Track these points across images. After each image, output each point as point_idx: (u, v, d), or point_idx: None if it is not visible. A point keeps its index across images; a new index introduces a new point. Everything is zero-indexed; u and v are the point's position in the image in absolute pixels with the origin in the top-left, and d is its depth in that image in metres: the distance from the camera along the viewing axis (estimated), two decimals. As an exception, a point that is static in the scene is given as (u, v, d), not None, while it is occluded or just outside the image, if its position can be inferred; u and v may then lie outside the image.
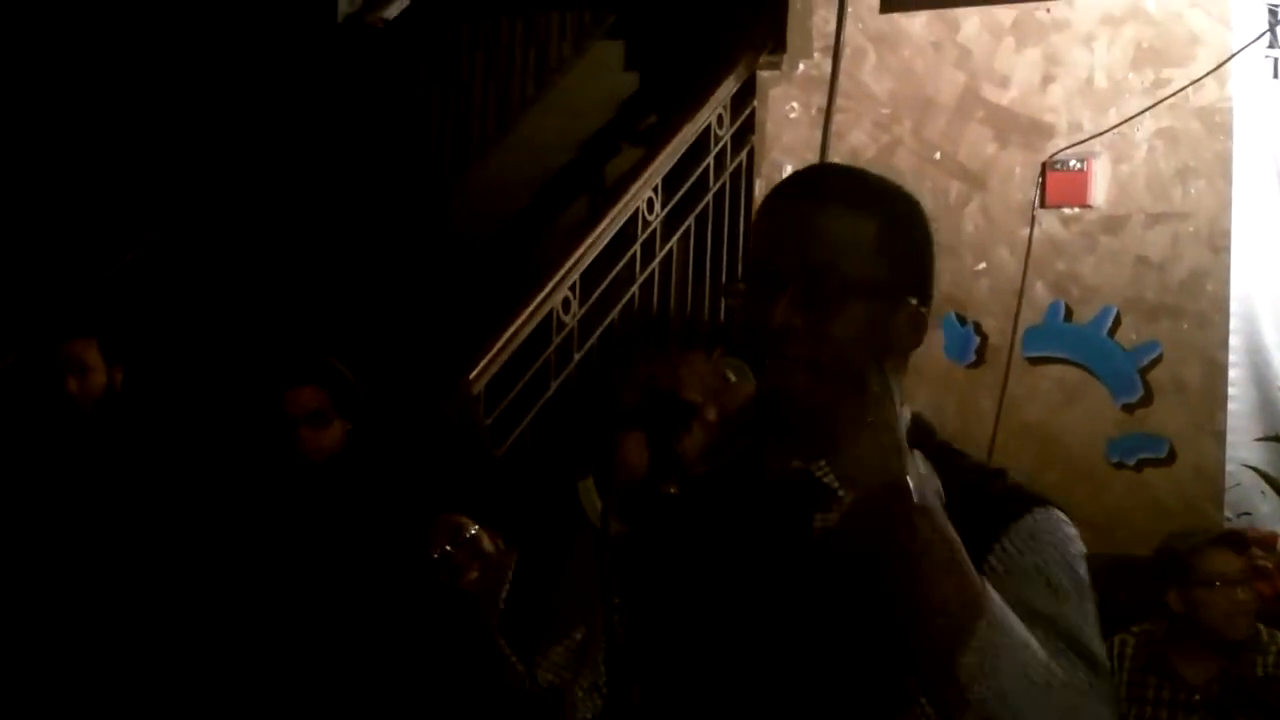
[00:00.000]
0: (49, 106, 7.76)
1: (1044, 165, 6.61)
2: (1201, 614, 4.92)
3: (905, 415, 2.10)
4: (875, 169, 6.48)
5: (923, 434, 2.13)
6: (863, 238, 2.06)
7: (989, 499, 2.08)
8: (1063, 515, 2.10)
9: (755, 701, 2.06)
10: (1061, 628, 1.99)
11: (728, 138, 7.12)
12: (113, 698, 5.12)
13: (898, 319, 2.09)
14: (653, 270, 6.84)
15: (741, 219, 7.12)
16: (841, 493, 2.07)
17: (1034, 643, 1.93)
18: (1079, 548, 2.09)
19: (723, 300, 2.00)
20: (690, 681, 2.11)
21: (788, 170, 7.06)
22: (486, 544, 2.34)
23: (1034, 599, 2.00)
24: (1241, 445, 6.24)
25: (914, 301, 2.11)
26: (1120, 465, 6.38)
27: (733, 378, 2.07)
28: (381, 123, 8.22)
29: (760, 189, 7.09)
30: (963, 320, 6.63)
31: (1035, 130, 6.65)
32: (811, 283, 2.03)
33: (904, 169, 6.72)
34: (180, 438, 5.74)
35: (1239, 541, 5.04)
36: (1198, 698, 4.88)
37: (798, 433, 2.10)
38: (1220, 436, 6.25)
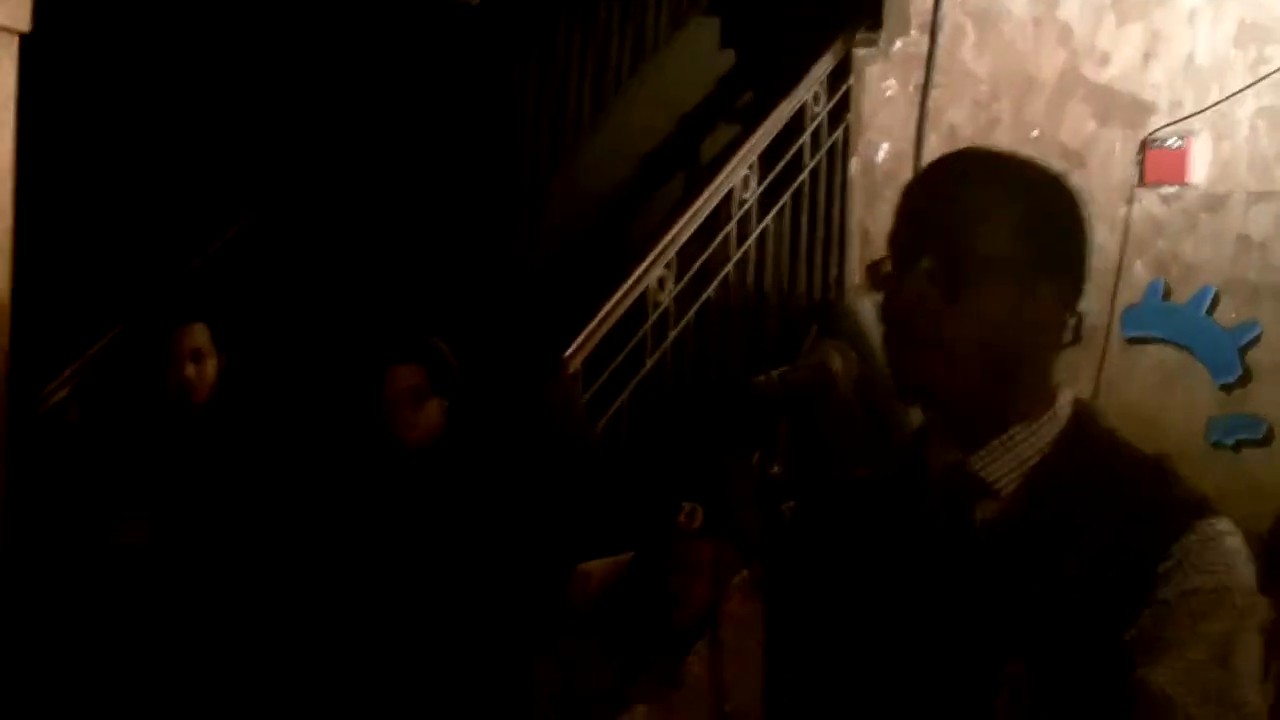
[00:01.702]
0: (149, 90, 7.82)
1: (1143, 143, 6.55)
2: None
3: (1066, 400, 2.09)
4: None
5: (1084, 419, 2.09)
6: (1000, 213, 2.01)
7: (1155, 505, 2.01)
8: (1230, 528, 2.01)
9: (919, 700, 2.03)
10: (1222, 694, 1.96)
11: (824, 116, 7.11)
12: (226, 682, 5.17)
13: (1042, 296, 2.04)
14: (748, 248, 6.84)
15: (837, 197, 7.11)
16: (997, 486, 2.04)
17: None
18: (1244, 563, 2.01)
19: (870, 280, 1.98)
20: (854, 685, 2.08)
21: (884, 149, 7.04)
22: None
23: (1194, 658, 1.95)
24: (1341, 427, 6.19)
25: (1061, 279, 2.06)
26: (1219, 445, 6.33)
27: (838, 362, 2.04)
28: (479, 103, 8.24)
29: (855, 167, 7.07)
30: (1060, 299, 6.58)
31: (1136, 108, 6.60)
32: (947, 256, 2.00)
33: (1002, 148, 6.67)
34: (284, 422, 5.75)
35: None
36: None
37: (952, 423, 2.06)
38: (1320, 418, 6.19)
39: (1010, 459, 2.04)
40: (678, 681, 2.34)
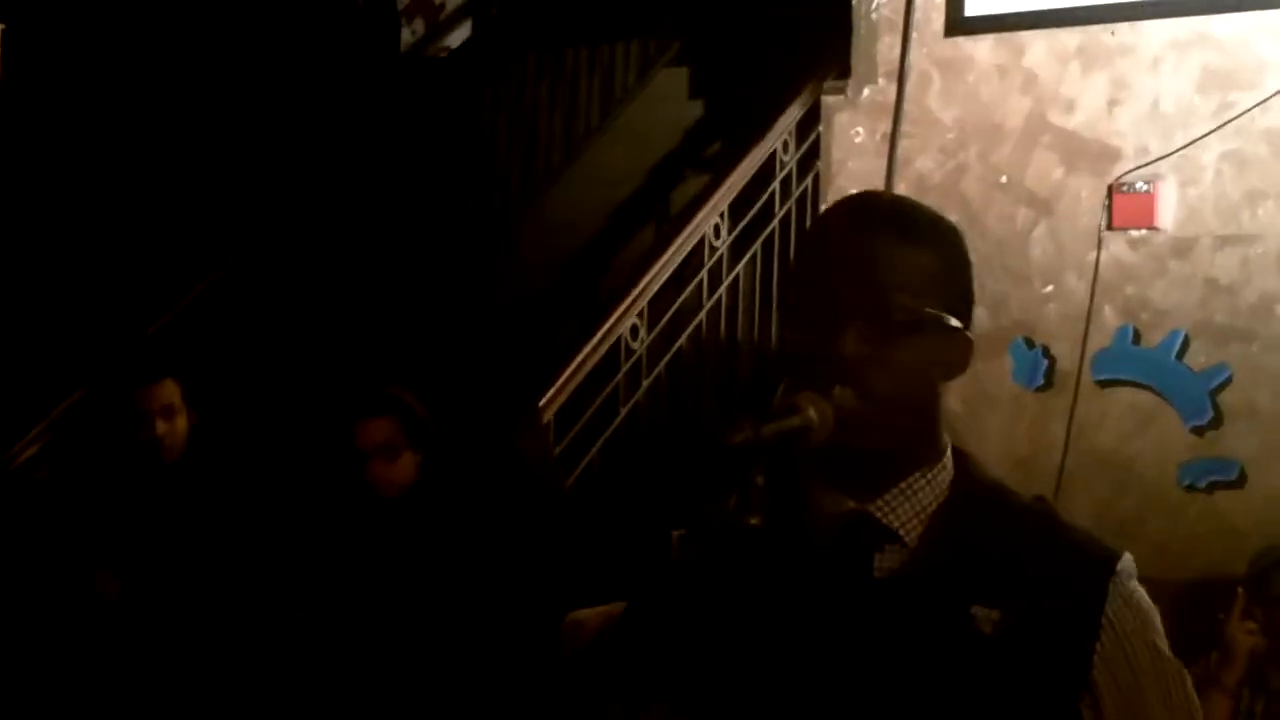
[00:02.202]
0: (114, 147, 7.82)
1: (1110, 188, 6.58)
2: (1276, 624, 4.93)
3: (948, 447, 2.12)
4: (942, 195, 6.49)
5: (968, 465, 2.12)
6: (925, 270, 2.05)
7: (1061, 555, 2.07)
8: (1133, 570, 2.09)
9: None
10: None
11: (793, 164, 7.13)
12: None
13: (954, 348, 2.08)
14: (719, 297, 6.85)
15: (808, 246, 7.11)
16: (903, 534, 2.05)
17: None
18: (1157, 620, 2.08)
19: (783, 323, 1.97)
20: None
21: (860, 195, 7.04)
22: None
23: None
24: (1313, 468, 6.20)
25: (968, 331, 2.10)
26: (1192, 489, 6.35)
27: (812, 411, 2.03)
28: (448, 153, 8.26)
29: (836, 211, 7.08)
30: (1030, 344, 6.61)
31: (1102, 154, 6.63)
32: (879, 314, 2.01)
33: (971, 195, 6.72)
34: (256, 476, 5.74)
35: None
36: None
37: (853, 472, 2.06)
38: (1291, 460, 6.21)
39: (911, 506, 2.06)
40: None
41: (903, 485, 2.06)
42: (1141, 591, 2.05)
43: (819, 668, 2.02)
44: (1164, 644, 2.05)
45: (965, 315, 2.10)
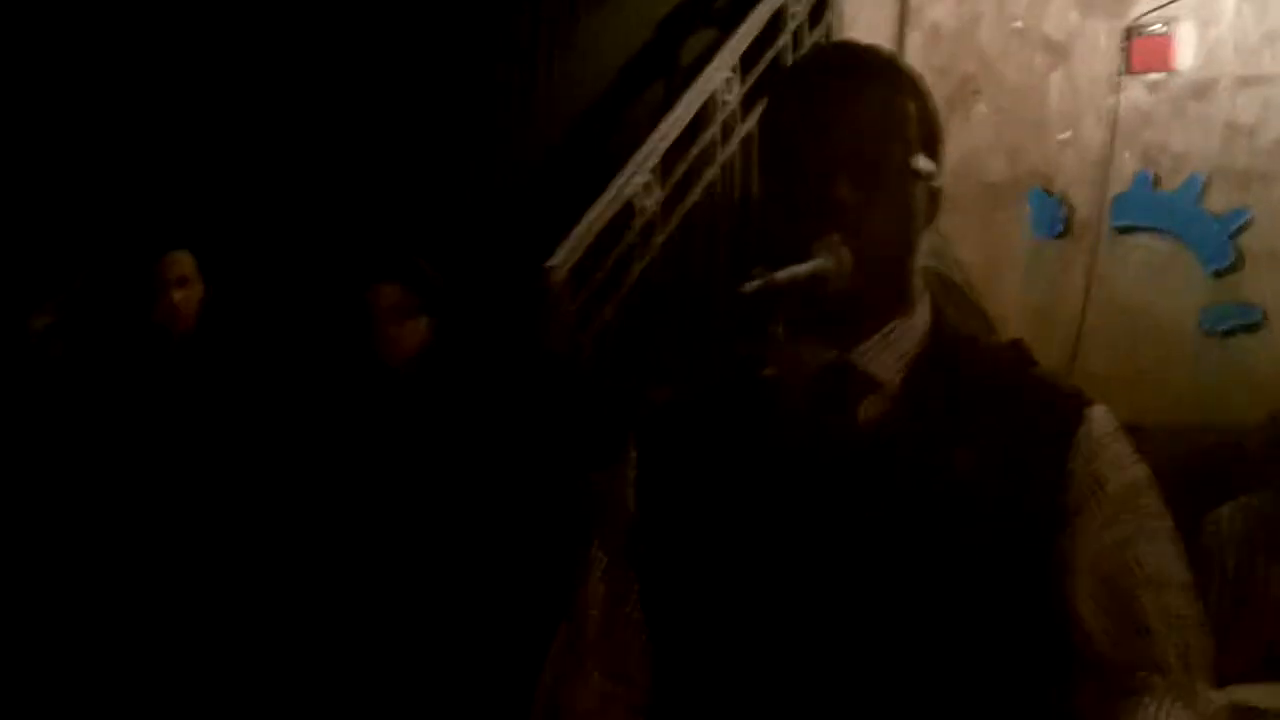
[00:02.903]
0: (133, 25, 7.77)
1: (1127, 31, 6.49)
2: None
3: (925, 295, 2.11)
4: (957, 44, 6.37)
5: (941, 315, 2.12)
6: (905, 116, 2.06)
7: (1034, 395, 2.07)
8: (1108, 412, 2.08)
9: (830, 635, 2.00)
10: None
11: (804, 15, 7.04)
12: (214, 616, 5.17)
13: (929, 193, 2.09)
14: (732, 152, 6.78)
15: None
16: (884, 381, 2.05)
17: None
18: (1136, 454, 2.08)
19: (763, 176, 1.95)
20: (751, 613, 2.03)
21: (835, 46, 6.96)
22: None
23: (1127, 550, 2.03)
24: (1337, 310, 6.16)
25: (940, 178, 2.11)
26: (1212, 334, 6.31)
27: (828, 258, 2.00)
28: (455, 14, 8.17)
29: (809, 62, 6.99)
30: (1049, 192, 6.54)
31: (1118, -3, 6.53)
32: (867, 159, 2.02)
33: (986, 43, 6.63)
34: (268, 346, 5.73)
35: None
36: None
37: (837, 320, 2.05)
38: (1313, 304, 6.17)
39: (891, 354, 2.05)
40: None
41: (881, 333, 2.05)
42: (1113, 427, 2.05)
43: (806, 516, 2.01)
44: (1139, 472, 2.06)
45: (938, 162, 2.11)
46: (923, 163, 2.07)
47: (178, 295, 5.46)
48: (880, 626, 1.98)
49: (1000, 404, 2.04)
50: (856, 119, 2.04)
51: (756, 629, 2.03)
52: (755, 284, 1.92)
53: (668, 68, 7.79)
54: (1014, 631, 2.00)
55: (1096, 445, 2.02)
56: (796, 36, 6.99)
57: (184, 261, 5.50)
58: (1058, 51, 6.62)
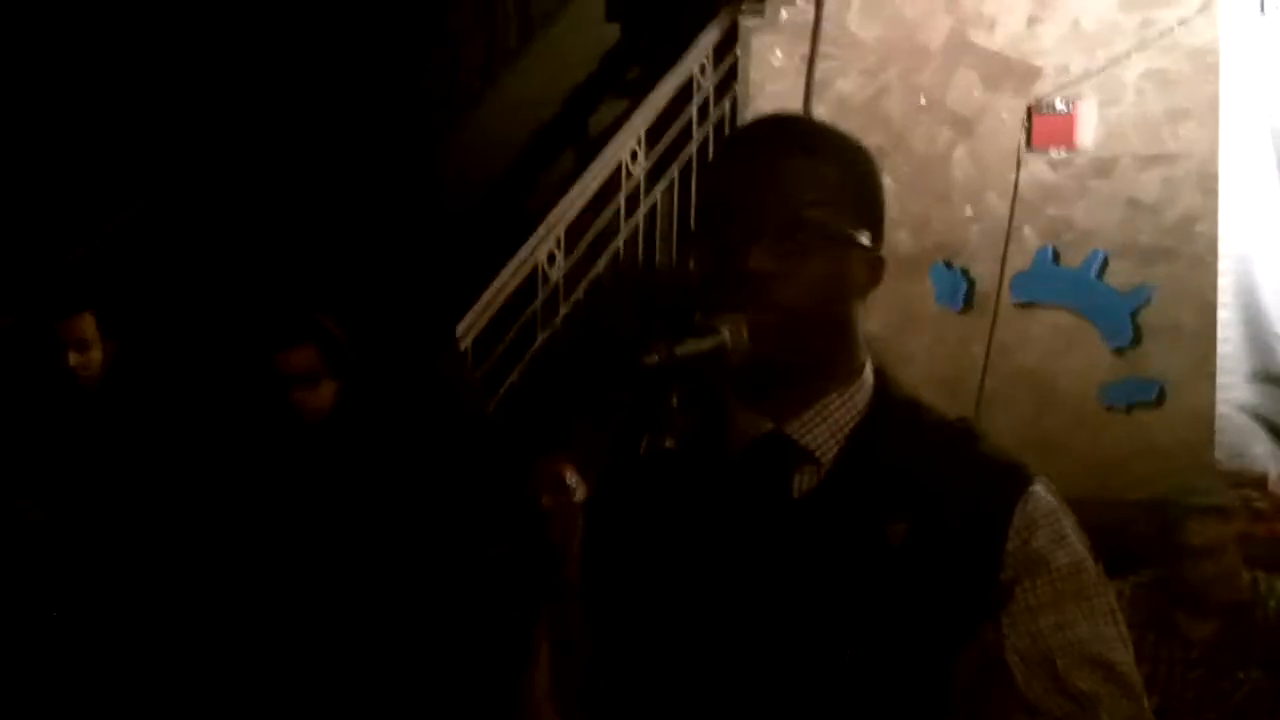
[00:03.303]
0: (30, 72, 7.71)
1: (1029, 108, 6.55)
2: (1188, 581, 4.81)
3: (869, 368, 2.09)
4: (863, 116, 6.42)
5: (888, 384, 2.09)
6: (832, 185, 2.03)
7: (974, 470, 2.04)
8: (1050, 488, 2.05)
9: (740, 678, 2.00)
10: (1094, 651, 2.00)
11: (710, 88, 7.08)
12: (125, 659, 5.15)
13: (860, 265, 2.05)
14: (637, 222, 6.80)
15: (727, 169, 7.07)
16: (817, 454, 2.03)
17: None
18: (1078, 531, 2.05)
19: (686, 256, 1.95)
20: (664, 667, 2.05)
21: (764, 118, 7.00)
22: (580, 494, 2.25)
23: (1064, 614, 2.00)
24: (1234, 387, 6.21)
25: (877, 246, 2.08)
26: (1113, 409, 6.36)
27: (727, 332, 2.00)
28: (368, 77, 8.17)
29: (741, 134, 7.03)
30: (950, 266, 6.59)
31: (1023, 74, 6.59)
32: (787, 228, 1.99)
33: (892, 116, 6.68)
34: (176, 403, 5.72)
35: (1222, 511, 4.91)
36: (1196, 654, 4.79)
37: (769, 392, 2.04)
38: (1212, 378, 6.22)
39: (827, 427, 2.04)
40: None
41: (818, 405, 2.04)
42: (1056, 504, 2.03)
43: (735, 586, 2.01)
44: (1081, 550, 2.02)
45: (876, 232, 2.09)
46: (851, 229, 2.04)
47: (75, 359, 5.50)
48: (795, 698, 1.97)
49: (939, 479, 2.00)
50: (772, 188, 2.02)
51: (672, 692, 2.03)
52: (654, 358, 1.91)
53: (578, 136, 7.82)
54: (925, 706, 1.98)
55: (1035, 523, 1.99)
56: (703, 109, 7.02)
57: (84, 324, 5.53)
58: (962, 127, 6.68)
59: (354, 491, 5.05)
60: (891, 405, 2.08)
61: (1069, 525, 2.02)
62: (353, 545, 4.97)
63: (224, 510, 5.23)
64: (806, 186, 2.02)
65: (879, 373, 2.10)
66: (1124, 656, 2.01)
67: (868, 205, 2.08)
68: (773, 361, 1.99)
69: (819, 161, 2.04)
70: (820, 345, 2.02)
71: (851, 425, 2.04)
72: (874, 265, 2.07)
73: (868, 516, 1.99)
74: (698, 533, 2.05)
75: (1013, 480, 2.02)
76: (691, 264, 2.08)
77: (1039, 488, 2.02)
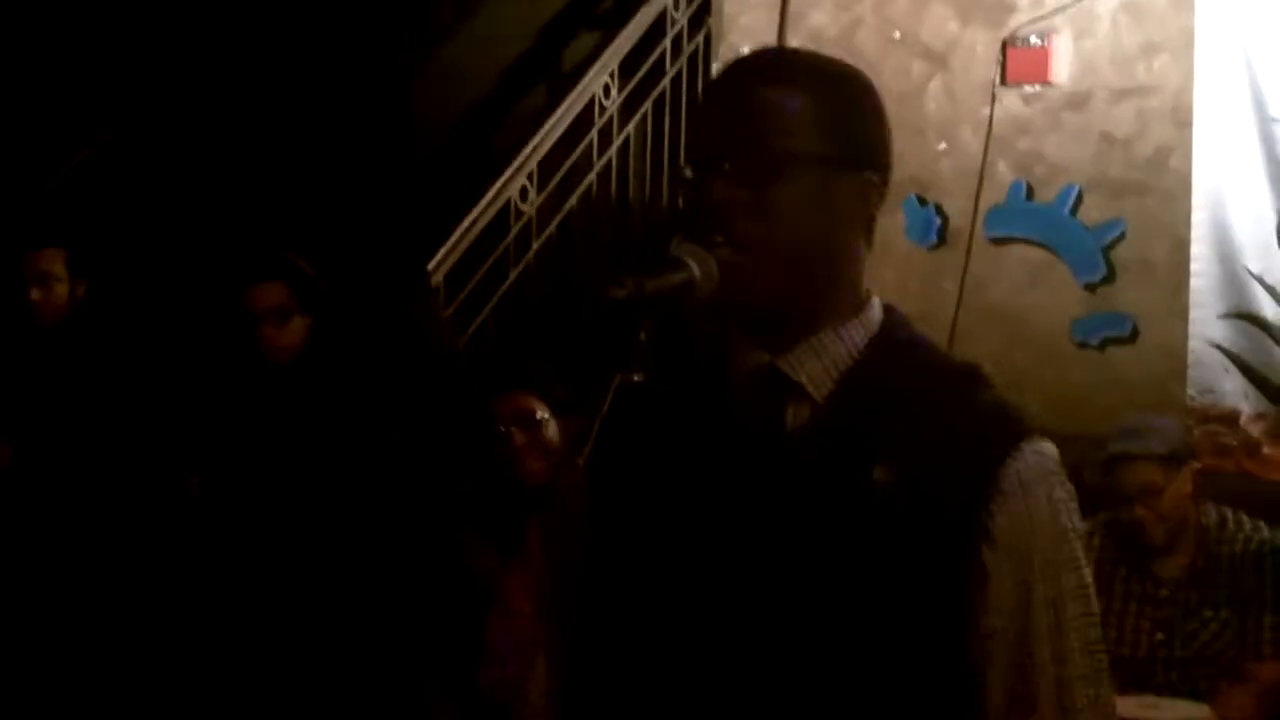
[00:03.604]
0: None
1: (1004, 42, 6.53)
2: (1127, 523, 4.78)
3: (877, 305, 2.07)
4: (835, 50, 6.38)
5: (895, 324, 2.07)
6: (800, 111, 1.99)
7: (970, 418, 2.00)
8: (1052, 449, 2.01)
9: (735, 619, 1.99)
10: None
11: (684, 21, 7.03)
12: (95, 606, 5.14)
13: (844, 191, 2.01)
14: (610, 157, 6.77)
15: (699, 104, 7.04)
16: (810, 389, 2.01)
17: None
18: (1066, 488, 2.02)
19: (674, 190, 1.94)
20: (659, 603, 2.04)
21: (746, 54, 6.97)
22: (553, 433, 2.21)
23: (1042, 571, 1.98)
24: (1205, 323, 6.22)
25: (866, 174, 2.03)
26: (1085, 345, 6.37)
27: (695, 266, 1.98)
28: (338, 11, 8.11)
29: (717, 72, 7.01)
30: (923, 201, 6.59)
31: (997, 7, 6.58)
32: (747, 156, 1.96)
33: (865, 49, 6.65)
34: (143, 345, 5.70)
35: (1162, 457, 4.84)
36: (1165, 593, 4.79)
37: (761, 325, 2.02)
38: (1184, 314, 6.23)
39: (820, 362, 2.01)
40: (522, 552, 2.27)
41: (812, 340, 2.01)
42: (1055, 466, 1.99)
43: (720, 515, 2.00)
44: (1068, 509, 2.00)
45: (867, 159, 2.04)
46: (831, 158, 1.99)
47: (35, 293, 5.47)
48: (770, 632, 1.96)
49: (933, 425, 1.97)
50: (741, 118, 1.99)
51: (659, 620, 2.02)
52: (621, 292, 1.89)
53: (549, 71, 7.77)
54: (899, 663, 1.95)
55: (1023, 484, 1.96)
56: (676, 43, 6.99)
57: (50, 258, 5.50)
58: (936, 60, 6.66)
59: (321, 431, 5.03)
60: (894, 345, 2.04)
61: (1058, 489, 1.99)
62: (318, 486, 4.96)
63: (187, 449, 5.22)
64: (775, 115, 1.99)
65: (888, 310, 2.07)
66: (1093, 637, 2.00)
67: (853, 132, 2.03)
68: (746, 297, 1.98)
69: (791, 90, 2.01)
70: (799, 277, 1.99)
71: (848, 362, 2.02)
72: (864, 193, 2.04)
73: (856, 457, 1.97)
74: (697, 463, 2.04)
75: (1006, 434, 1.98)
76: (679, 201, 2.07)
77: (1031, 446, 1.98)
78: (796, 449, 2.00)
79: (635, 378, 1.94)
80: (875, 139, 2.07)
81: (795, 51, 2.15)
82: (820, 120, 2.00)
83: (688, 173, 2.02)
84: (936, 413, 1.99)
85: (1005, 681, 1.96)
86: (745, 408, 2.04)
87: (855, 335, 2.03)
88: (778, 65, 2.09)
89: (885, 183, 2.07)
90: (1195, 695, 4.58)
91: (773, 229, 1.97)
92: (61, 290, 5.51)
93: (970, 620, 1.96)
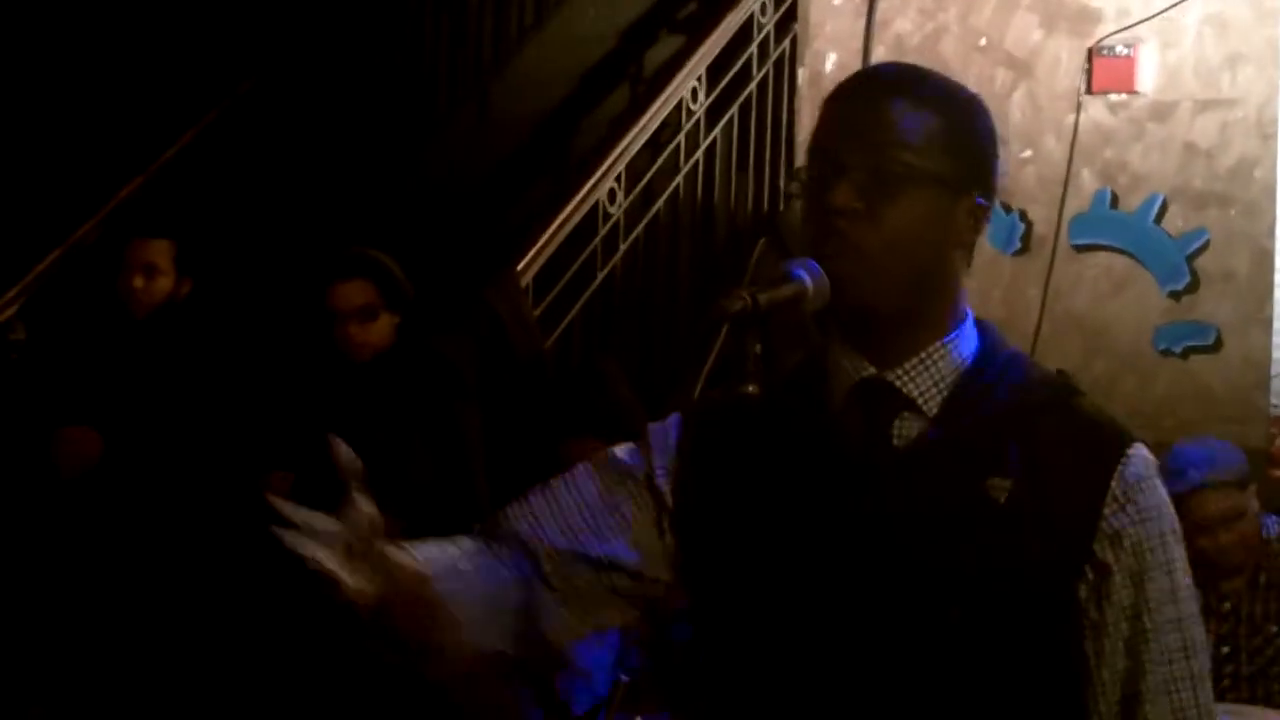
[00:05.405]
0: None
1: (1090, 51, 6.55)
2: (1205, 551, 4.75)
3: (971, 319, 2.11)
4: (920, 57, 6.42)
5: (993, 340, 2.11)
6: (926, 129, 2.03)
7: (1077, 429, 2.05)
8: (1150, 454, 2.07)
9: (832, 625, 2.02)
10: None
11: (771, 26, 7.06)
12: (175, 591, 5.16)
13: (958, 212, 2.05)
14: (696, 160, 6.81)
15: (785, 108, 7.08)
16: (921, 403, 2.05)
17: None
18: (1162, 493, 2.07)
19: (786, 188, 1.95)
20: (759, 619, 2.06)
21: (831, 60, 7.02)
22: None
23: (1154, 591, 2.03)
24: (1289, 333, 6.23)
25: (975, 195, 2.07)
26: (1167, 353, 6.38)
27: (808, 280, 1.99)
28: (421, 14, 8.18)
29: (803, 78, 7.05)
30: (1007, 208, 6.61)
31: (1082, 16, 6.59)
32: (873, 168, 2.00)
33: (949, 57, 6.68)
34: (233, 343, 5.70)
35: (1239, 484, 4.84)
36: (1227, 606, 4.79)
37: (868, 337, 2.06)
38: (1267, 324, 6.24)
39: (930, 376, 2.05)
40: None
41: (922, 354, 2.05)
42: (1154, 471, 2.05)
43: (835, 533, 2.02)
44: (1169, 511, 2.05)
45: (978, 182, 2.08)
46: (947, 177, 2.03)
47: (139, 280, 5.41)
48: (882, 647, 1.99)
49: (1043, 437, 2.02)
50: (861, 129, 2.03)
51: (768, 630, 2.05)
52: (738, 304, 1.93)
53: (631, 74, 7.81)
54: (1017, 673, 2.00)
55: (1133, 490, 2.01)
56: (763, 47, 7.03)
57: (156, 249, 5.45)
58: (1020, 68, 6.68)
59: (403, 432, 5.04)
60: (996, 358, 2.09)
61: (1161, 494, 2.04)
62: (399, 484, 4.98)
63: (273, 449, 5.22)
64: (897, 129, 2.02)
65: (982, 325, 2.12)
66: (1200, 637, 2.04)
67: (968, 153, 2.07)
68: (856, 305, 2.01)
69: (914, 105, 2.04)
70: (909, 291, 2.03)
71: (955, 376, 2.06)
72: (975, 215, 2.08)
73: (972, 471, 2.01)
74: (798, 476, 2.06)
75: (1114, 440, 2.04)
76: (790, 196, 2.11)
77: (1137, 452, 2.03)
78: (908, 462, 2.03)
79: (750, 389, 1.97)
80: (989, 165, 2.11)
81: (926, 70, 2.17)
82: (946, 141, 2.04)
83: (806, 173, 2.07)
84: (1043, 422, 2.03)
85: (1118, 674, 2.01)
86: (846, 420, 2.07)
87: (960, 350, 2.07)
88: (912, 82, 2.11)
89: (990, 207, 2.11)
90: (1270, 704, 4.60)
91: (887, 242, 2.00)
92: (165, 284, 5.43)
93: (1088, 625, 2.01)
